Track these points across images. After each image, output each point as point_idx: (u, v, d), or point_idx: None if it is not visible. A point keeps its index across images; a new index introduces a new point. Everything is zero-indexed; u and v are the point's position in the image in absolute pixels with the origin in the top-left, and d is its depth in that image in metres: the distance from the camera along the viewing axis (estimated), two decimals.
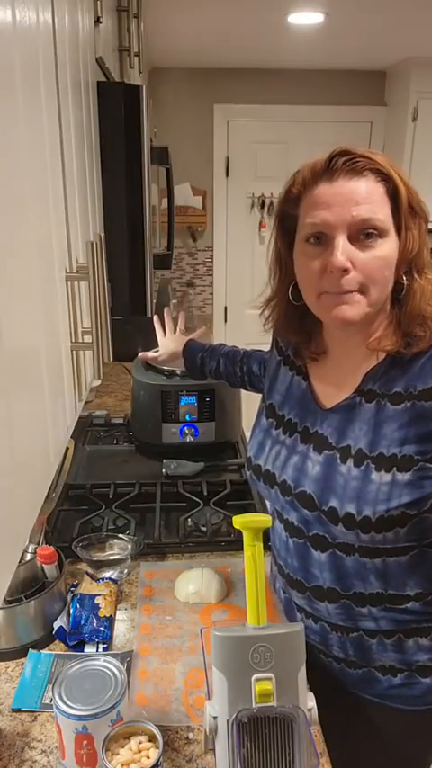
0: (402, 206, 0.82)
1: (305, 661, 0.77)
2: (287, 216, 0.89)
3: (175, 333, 1.52)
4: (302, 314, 0.93)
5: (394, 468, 0.84)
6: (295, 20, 2.47)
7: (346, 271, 0.80)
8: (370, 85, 3.50)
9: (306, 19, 2.46)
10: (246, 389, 1.37)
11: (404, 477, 0.83)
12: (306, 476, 0.92)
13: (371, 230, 0.80)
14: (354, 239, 0.80)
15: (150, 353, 1.52)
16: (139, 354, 1.56)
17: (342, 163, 0.80)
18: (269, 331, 1.05)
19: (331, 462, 0.90)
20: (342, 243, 0.80)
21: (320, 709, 0.86)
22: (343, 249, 0.80)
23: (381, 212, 0.80)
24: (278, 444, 0.99)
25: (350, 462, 0.88)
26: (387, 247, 0.81)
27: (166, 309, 1.58)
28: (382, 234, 0.81)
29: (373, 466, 0.85)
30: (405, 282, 0.85)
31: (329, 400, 0.95)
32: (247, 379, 1.33)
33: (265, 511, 1.44)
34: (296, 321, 0.96)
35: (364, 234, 0.80)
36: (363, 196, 0.79)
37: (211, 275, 3.80)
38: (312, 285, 0.85)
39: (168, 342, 1.50)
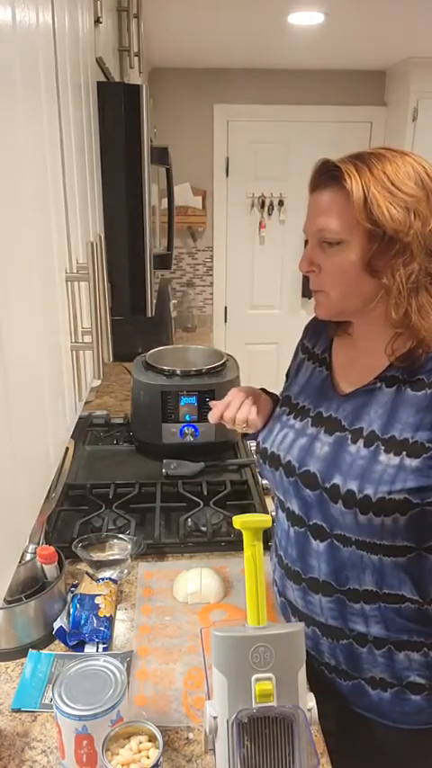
0: (357, 215, 0.81)
1: (305, 661, 0.77)
2: None
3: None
4: None
5: (404, 453, 0.85)
6: (295, 20, 2.47)
7: (311, 272, 0.91)
8: (370, 85, 3.50)
9: (306, 19, 2.46)
10: None
11: (412, 462, 0.84)
12: (312, 456, 0.94)
13: (325, 238, 0.87)
14: (321, 246, 0.88)
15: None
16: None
17: (319, 175, 0.88)
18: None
19: (341, 443, 0.92)
20: (309, 248, 0.91)
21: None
22: (306, 254, 0.91)
23: (334, 223, 0.85)
24: (286, 428, 1.02)
25: (360, 443, 0.89)
26: (346, 255, 0.86)
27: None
28: (335, 242, 0.86)
29: (383, 447, 0.87)
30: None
31: (348, 386, 0.97)
32: None
33: (265, 511, 1.44)
34: None
35: (325, 241, 0.87)
36: (323, 208, 0.87)
37: (211, 275, 3.80)
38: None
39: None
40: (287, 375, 1.15)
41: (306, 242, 0.92)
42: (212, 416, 1.10)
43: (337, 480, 0.89)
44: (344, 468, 0.89)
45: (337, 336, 1.03)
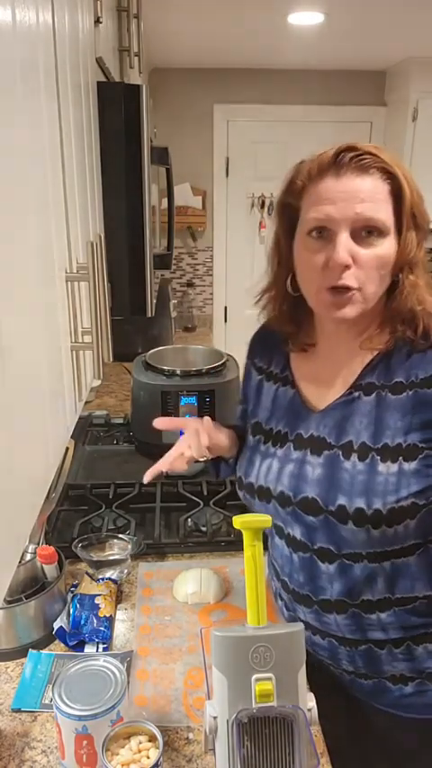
0: (405, 207, 0.82)
1: (305, 661, 0.77)
2: (289, 207, 0.88)
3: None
4: (296, 303, 0.94)
5: (400, 458, 0.84)
6: (295, 20, 2.47)
7: (347, 267, 0.81)
8: (370, 85, 3.50)
9: (306, 19, 2.45)
10: None
11: (411, 466, 0.83)
12: (306, 481, 0.90)
13: (372, 228, 0.81)
14: (355, 236, 0.81)
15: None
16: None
17: (349, 159, 0.80)
18: (262, 320, 1.05)
19: (333, 461, 0.89)
20: (345, 239, 0.80)
21: (332, 720, 0.86)
22: (345, 245, 0.80)
23: (383, 212, 0.81)
24: (269, 458, 0.97)
25: (354, 457, 0.87)
26: (386, 246, 0.82)
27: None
28: (382, 233, 0.81)
29: (379, 458, 0.85)
30: (399, 280, 0.86)
31: (321, 401, 0.94)
32: None
33: None
34: (291, 311, 0.96)
35: (365, 231, 0.81)
36: (367, 194, 0.80)
37: (211, 275, 3.80)
38: (313, 279, 0.85)
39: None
40: (244, 399, 1.09)
41: (311, 233, 0.83)
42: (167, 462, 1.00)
43: (342, 501, 0.86)
44: (345, 487, 0.86)
45: (293, 351, 0.99)
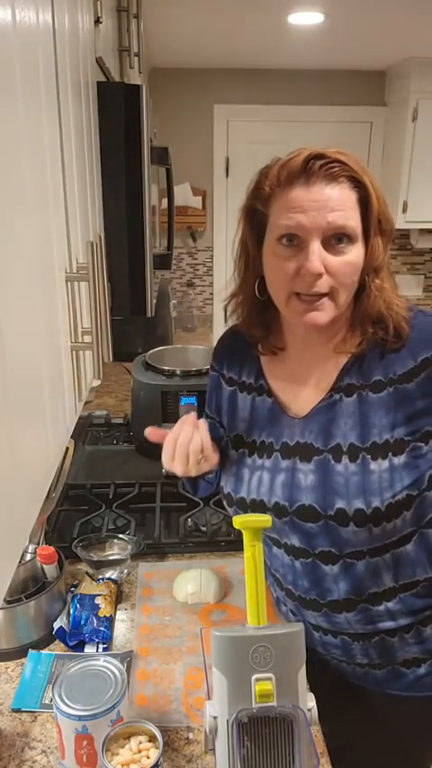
0: (372, 214, 0.84)
1: (305, 661, 0.77)
2: (257, 212, 0.89)
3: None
4: (265, 307, 0.94)
5: (390, 454, 0.85)
6: (295, 20, 2.47)
7: (319, 275, 0.82)
8: (370, 85, 3.50)
9: (306, 19, 2.45)
10: None
11: (400, 460, 0.85)
12: (300, 489, 0.91)
13: (342, 236, 0.82)
14: (326, 243, 0.82)
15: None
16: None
17: (319, 167, 0.81)
18: (233, 323, 1.03)
19: (325, 465, 0.89)
20: (317, 248, 0.81)
21: (345, 716, 0.87)
22: (317, 254, 0.81)
23: (353, 219, 0.82)
24: (258, 470, 0.96)
25: (345, 459, 0.88)
26: (356, 253, 0.83)
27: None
28: (352, 240, 0.83)
29: (369, 456, 0.86)
30: (366, 284, 0.87)
31: (299, 406, 0.94)
32: None
33: None
34: (259, 315, 0.96)
35: (335, 239, 0.82)
36: (337, 203, 0.81)
37: (211, 275, 3.80)
38: (284, 286, 0.85)
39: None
40: (215, 412, 1.07)
41: (282, 240, 0.83)
42: (167, 458, 0.93)
43: (340, 504, 0.86)
44: (341, 490, 0.87)
45: (264, 355, 0.98)
